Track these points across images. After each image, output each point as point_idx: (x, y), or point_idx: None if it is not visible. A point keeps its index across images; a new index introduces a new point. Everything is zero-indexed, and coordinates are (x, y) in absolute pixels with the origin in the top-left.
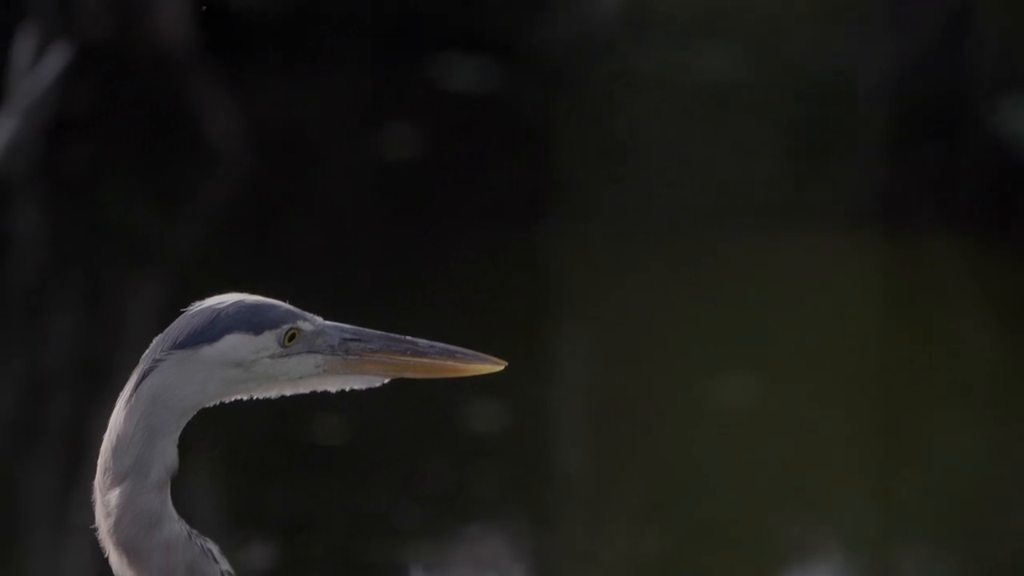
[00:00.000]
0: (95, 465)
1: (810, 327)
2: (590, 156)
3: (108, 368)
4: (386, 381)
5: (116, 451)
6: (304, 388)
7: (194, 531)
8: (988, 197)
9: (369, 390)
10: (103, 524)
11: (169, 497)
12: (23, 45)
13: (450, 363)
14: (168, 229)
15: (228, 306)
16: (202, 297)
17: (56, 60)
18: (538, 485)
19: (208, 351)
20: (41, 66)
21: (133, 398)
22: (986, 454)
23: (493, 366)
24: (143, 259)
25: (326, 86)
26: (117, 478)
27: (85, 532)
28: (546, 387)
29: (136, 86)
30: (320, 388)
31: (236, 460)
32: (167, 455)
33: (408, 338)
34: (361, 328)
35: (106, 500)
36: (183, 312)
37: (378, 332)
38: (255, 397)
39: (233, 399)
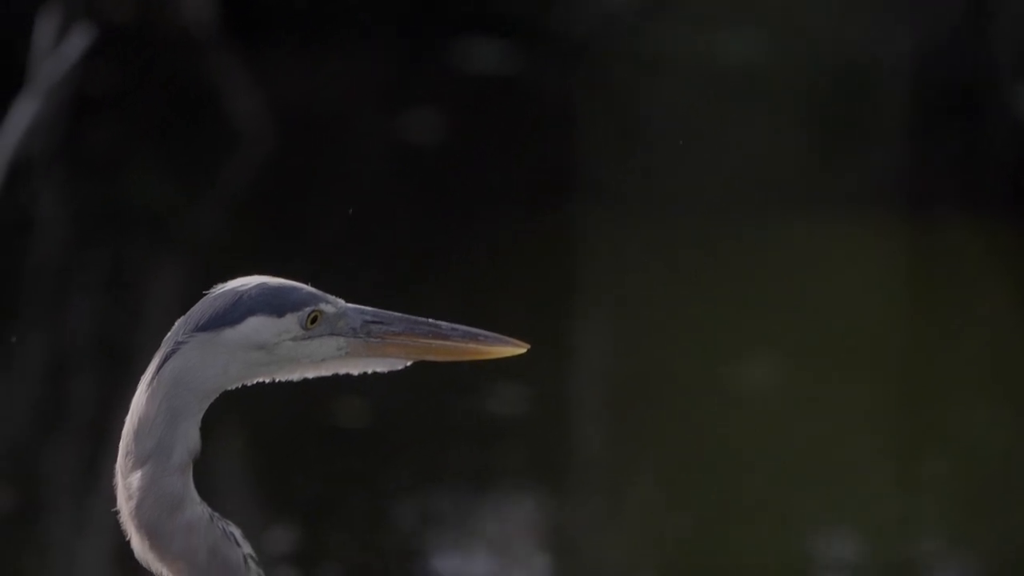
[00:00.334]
0: (117, 448)
1: (833, 309)
2: (612, 139)
3: (130, 350)
4: (408, 364)
5: (138, 434)
6: (326, 371)
7: (216, 514)
8: (1010, 179)
9: (391, 373)
10: (125, 507)
11: (191, 480)
12: (45, 26)
13: (472, 346)
14: (190, 211)
15: (250, 288)
16: (224, 279)
17: (78, 41)
18: (561, 467)
19: (230, 333)
20: (63, 47)
21: (155, 380)
22: (1009, 437)
23: (515, 349)
24: (165, 241)
25: (348, 67)
26: (139, 461)
27: (107, 515)
28: (568, 369)
29: (158, 67)
30: (342, 371)
31: (258, 443)
32: (189, 438)
33: (430, 320)
34: (383, 311)
35: (128, 483)
36: (205, 294)
37: (400, 315)
38: (277, 380)
39: (255, 382)
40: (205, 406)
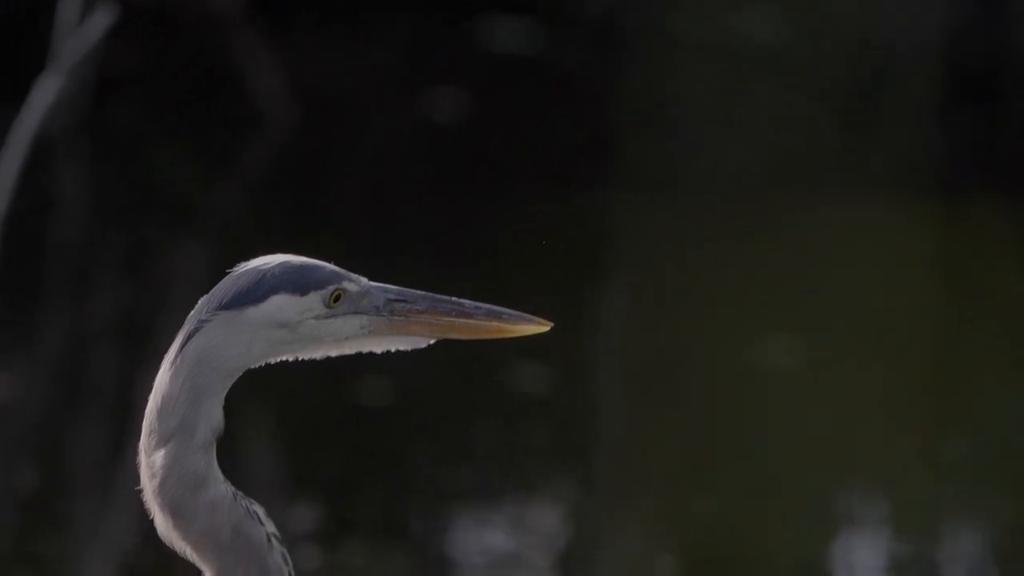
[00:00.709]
0: (140, 426)
1: (857, 291)
2: (634, 118)
3: (153, 329)
4: (431, 342)
5: (161, 412)
6: (349, 349)
7: (239, 493)
8: None
9: (414, 351)
10: (148, 485)
11: (215, 458)
12: (69, 4)
13: (496, 324)
14: (213, 190)
15: (274, 267)
16: (247, 258)
17: (102, 19)
18: (584, 446)
19: (253, 312)
20: (87, 25)
21: (178, 359)
22: None
23: (539, 327)
24: (187, 220)
25: (371, 47)
26: (162, 439)
27: (130, 493)
28: (592, 348)
29: (181, 46)
30: (365, 349)
31: (282, 422)
32: (213, 416)
33: (453, 299)
34: (406, 289)
35: (151, 461)
36: (228, 273)
37: (423, 293)
38: (300, 358)
39: (279, 360)
40: (228, 384)
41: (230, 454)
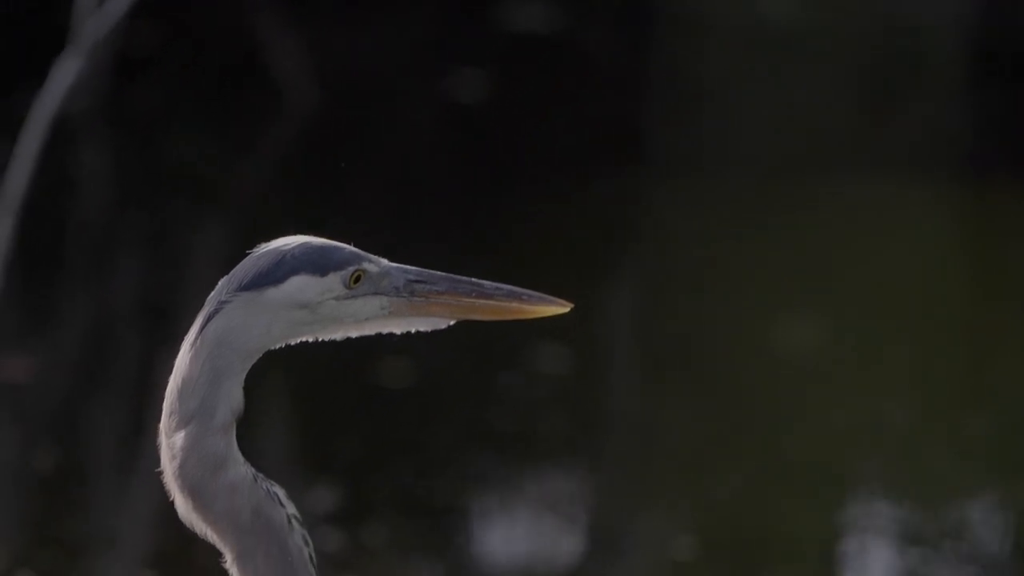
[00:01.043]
0: (160, 408)
1: (882, 271)
2: (658, 98)
3: (173, 310)
4: (451, 323)
5: (181, 393)
6: (369, 330)
7: (260, 474)
8: None
9: (434, 332)
10: (168, 467)
11: (234, 440)
12: None
13: (516, 305)
14: (234, 170)
15: (294, 248)
16: (267, 239)
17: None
18: (604, 428)
19: (273, 293)
20: (107, 5)
21: (198, 340)
22: None
23: (559, 308)
24: (208, 200)
25: (393, 26)
26: (182, 421)
27: (150, 475)
28: (613, 330)
29: (202, 26)
30: (385, 330)
31: (301, 403)
32: (232, 397)
33: (474, 280)
34: (426, 270)
35: (171, 443)
36: (248, 254)
37: (443, 274)
38: (320, 339)
39: (298, 341)
40: (248, 366)
41: (250, 435)
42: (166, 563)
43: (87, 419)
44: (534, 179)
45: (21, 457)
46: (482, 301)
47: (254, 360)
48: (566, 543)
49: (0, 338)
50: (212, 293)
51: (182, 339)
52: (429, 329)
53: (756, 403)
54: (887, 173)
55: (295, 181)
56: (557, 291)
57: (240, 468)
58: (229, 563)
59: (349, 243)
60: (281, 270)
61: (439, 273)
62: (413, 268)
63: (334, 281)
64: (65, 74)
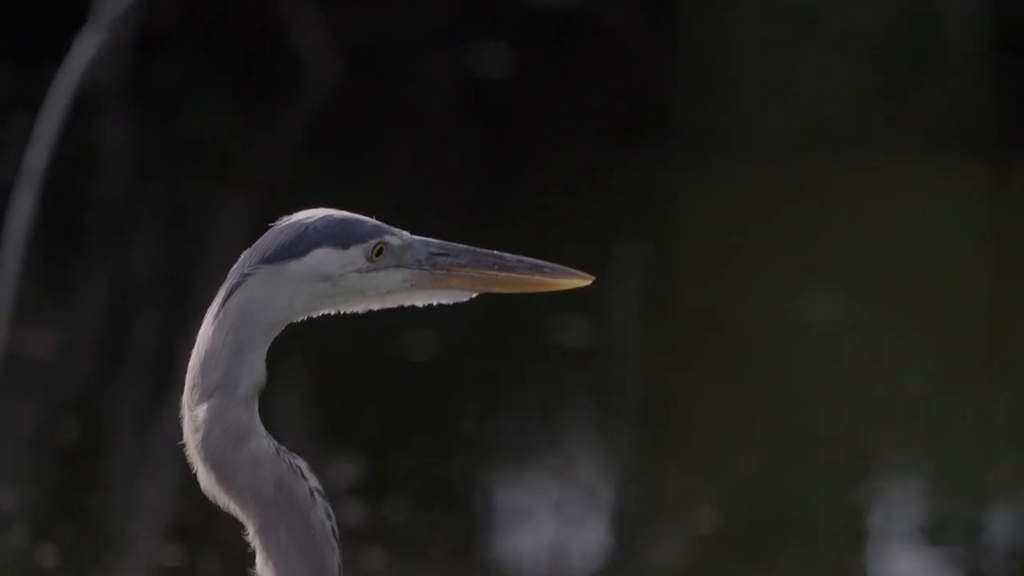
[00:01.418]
0: (182, 381)
1: (906, 247)
2: (680, 73)
3: (195, 283)
4: (473, 296)
5: (204, 366)
6: (391, 303)
7: (282, 447)
8: None
9: (456, 305)
10: (191, 440)
11: (257, 413)
12: None
13: (538, 277)
14: (255, 144)
15: (316, 221)
16: (289, 212)
17: None
18: (626, 401)
19: (296, 265)
20: None
21: (221, 313)
22: None
23: (581, 280)
24: (230, 174)
25: (415, 1)
26: (205, 393)
27: (173, 448)
28: (635, 303)
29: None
30: (407, 303)
31: (324, 376)
32: (255, 370)
33: (495, 252)
34: (448, 243)
35: (194, 415)
36: (271, 227)
37: (465, 247)
38: (342, 312)
39: (320, 314)
40: (271, 338)
41: (272, 408)
42: (189, 536)
43: (109, 393)
44: (555, 153)
45: (43, 431)
46: (504, 274)
47: (276, 333)
48: (587, 517)
49: (22, 313)
50: (234, 266)
51: (204, 312)
52: (451, 302)
53: (778, 378)
54: (909, 150)
55: (316, 155)
56: (578, 264)
57: (263, 441)
58: (251, 536)
59: (371, 216)
60: (303, 243)
61: (461, 246)
62: (435, 241)
63: (356, 254)
64: (86, 49)
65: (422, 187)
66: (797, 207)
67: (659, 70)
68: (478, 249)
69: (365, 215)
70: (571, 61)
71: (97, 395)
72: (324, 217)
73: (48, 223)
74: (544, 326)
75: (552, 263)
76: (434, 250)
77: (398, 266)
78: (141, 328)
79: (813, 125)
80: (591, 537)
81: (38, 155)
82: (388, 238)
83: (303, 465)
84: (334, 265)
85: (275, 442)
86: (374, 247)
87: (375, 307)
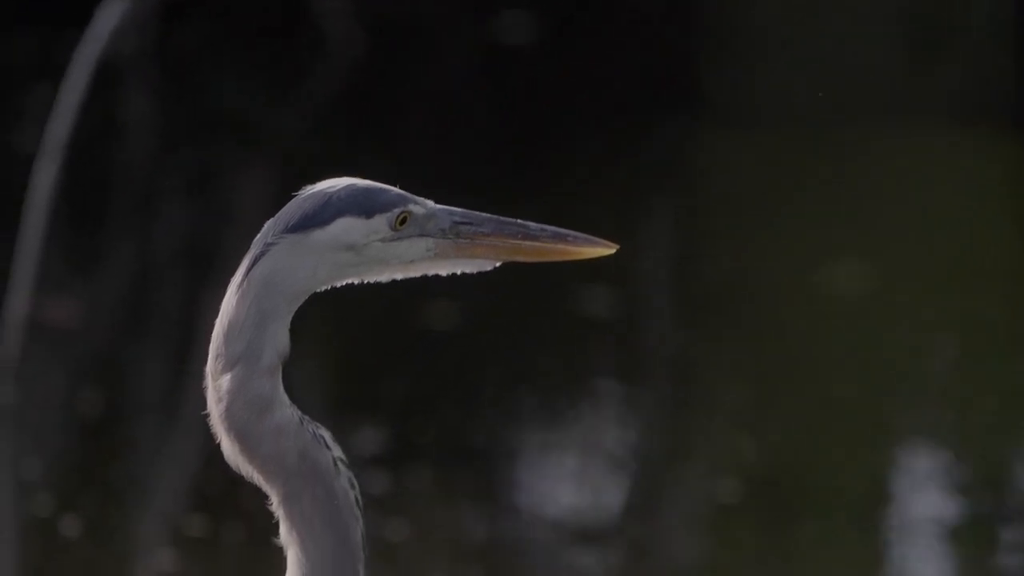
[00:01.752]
0: (206, 351)
1: (930, 216)
2: (706, 43)
3: (218, 253)
4: (497, 265)
5: (227, 336)
6: (414, 272)
7: (306, 417)
8: None
9: (480, 274)
10: (214, 410)
11: (280, 382)
12: None
13: (561, 246)
14: (278, 113)
15: (339, 190)
16: (313, 181)
17: None
18: (649, 369)
19: (319, 235)
20: None
21: (245, 283)
22: None
23: (604, 249)
24: (253, 144)
25: None
26: (228, 363)
27: (196, 418)
28: (659, 272)
29: None
30: (431, 272)
31: (347, 346)
32: (279, 340)
33: (519, 221)
34: (472, 211)
35: (217, 385)
36: (294, 196)
37: (488, 215)
38: (366, 281)
39: (344, 283)
40: (294, 308)
41: (296, 378)
42: (212, 506)
43: (132, 363)
44: (581, 122)
45: (67, 401)
46: (528, 242)
47: (300, 302)
48: (610, 485)
49: (46, 282)
50: (258, 236)
51: (227, 282)
52: (475, 271)
53: (801, 347)
54: (935, 121)
55: (340, 123)
56: (603, 233)
57: (286, 410)
58: (275, 505)
59: (395, 185)
60: (327, 212)
61: (484, 215)
62: (459, 210)
63: (380, 223)
64: (109, 17)
65: (446, 156)
66: (822, 176)
67: (685, 38)
68: (501, 218)
69: (388, 184)
70: (596, 30)
71: (120, 365)
72: (348, 186)
73: (71, 193)
74: (568, 295)
75: (576, 232)
76: (457, 219)
77: (422, 235)
78: (164, 298)
79: (839, 95)
80: (614, 505)
81: (61, 125)
82: (412, 207)
83: (326, 435)
84: (358, 234)
85: (299, 412)
86: (398, 216)
87: (399, 276)
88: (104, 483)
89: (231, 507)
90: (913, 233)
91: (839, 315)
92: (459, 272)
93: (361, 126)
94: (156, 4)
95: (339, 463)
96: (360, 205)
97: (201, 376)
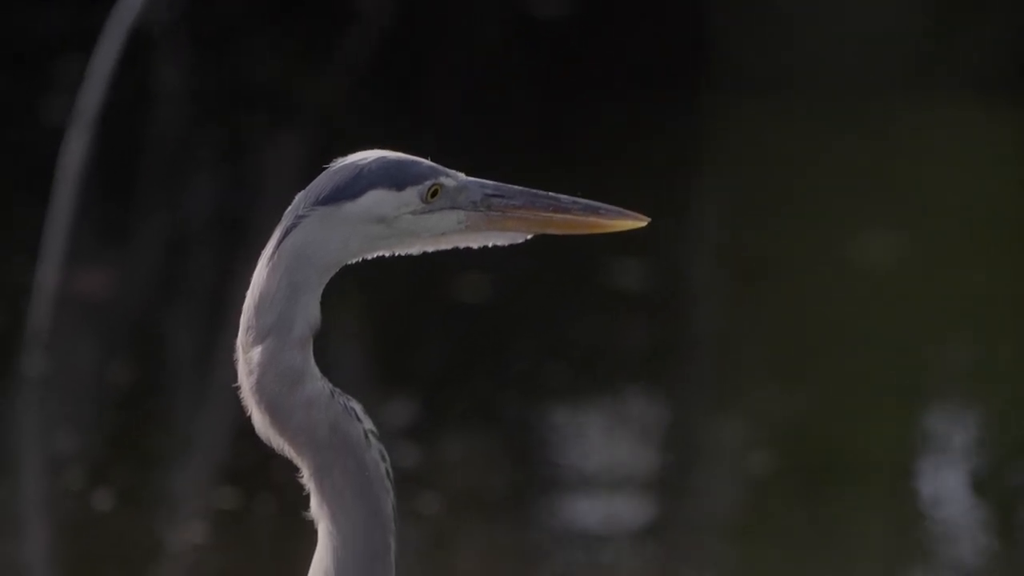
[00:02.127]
0: (237, 323)
1: (959, 191)
2: (736, 16)
3: (250, 225)
4: (528, 237)
5: (259, 308)
6: (446, 244)
7: (337, 389)
8: None
9: (512, 247)
10: (245, 382)
11: (311, 355)
12: None
13: (593, 219)
14: (310, 85)
15: (371, 162)
16: (344, 153)
17: None
18: (680, 342)
19: (351, 207)
20: None
21: (276, 255)
22: None
23: (636, 222)
24: (284, 115)
25: None
26: (260, 335)
27: (227, 390)
28: (690, 244)
29: None
30: (462, 244)
31: (380, 318)
32: (310, 312)
33: (550, 194)
34: (503, 184)
35: (248, 358)
36: (325, 168)
37: (520, 188)
38: (397, 254)
39: (375, 256)
40: (325, 280)
41: (327, 350)
42: (243, 478)
43: (164, 334)
44: (613, 94)
45: (99, 372)
46: (559, 215)
47: (331, 274)
48: (641, 458)
49: (78, 253)
50: (289, 208)
51: (259, 254)
52: (506, 243)
53: (833, 320)
54: (963, 91)
55: (372, 95)
56: (635, 206)
57: (317, 383)
58: (306, 478)
59: (426, 157)
60: (358, 184)
61: (516, 187)
62: (490, 182)
63: (411, 195)
64: None
65: (477, 129)
66: (851, 148)
67: (715, 11)
68: (533, 190)
69: (419, 156)
70: (629, 1)
71: (152, 336)
72: (379, 158)
73: (102, 163)
74: (599, 267)
75: (607, 204)
76: (489, 191)
77: (453, 207)
78: (196, 269)
79: (867, 66)
80: (646, 479)
81: (92, 95)
82: (443, 179)
83: (357, 407)
84: (389, 207)
85: (329, 384)
86: (429, 188)
87: (430, 249)
88: (135, 455)
89: (262, 480)
90: (944, 204)
91: (870, 287)
92: (490, 244)
93: (392, 98)
94: None
95: (370, 435)
96: (391, 177)
97: (232, 348)
